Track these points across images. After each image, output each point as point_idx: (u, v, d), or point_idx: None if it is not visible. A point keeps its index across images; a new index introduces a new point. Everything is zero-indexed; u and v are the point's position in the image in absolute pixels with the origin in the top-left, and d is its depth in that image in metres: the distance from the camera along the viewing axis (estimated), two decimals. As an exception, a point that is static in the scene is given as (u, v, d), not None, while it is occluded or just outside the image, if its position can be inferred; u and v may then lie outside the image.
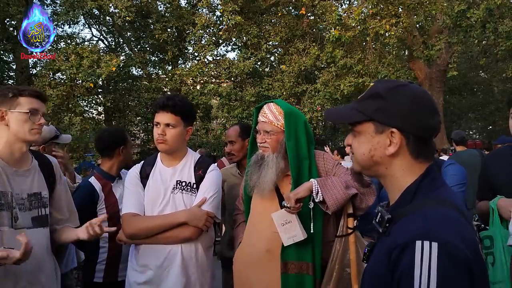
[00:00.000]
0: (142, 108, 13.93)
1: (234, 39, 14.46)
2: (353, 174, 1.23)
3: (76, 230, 2.12)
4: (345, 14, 11.93)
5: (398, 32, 11.21)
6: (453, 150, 7.16)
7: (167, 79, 13.95)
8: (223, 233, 3.44)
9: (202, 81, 13.79)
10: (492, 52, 13.00)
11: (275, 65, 14.99)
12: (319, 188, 2.15)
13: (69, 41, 13.92)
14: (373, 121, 1.13)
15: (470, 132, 24.78)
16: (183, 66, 14.76)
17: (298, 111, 2.40)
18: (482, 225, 2.38)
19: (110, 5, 12.41)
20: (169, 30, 13.93)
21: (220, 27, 13.54)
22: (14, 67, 14.08)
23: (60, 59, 11.35)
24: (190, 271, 2.25)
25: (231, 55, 32.53)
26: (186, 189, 2.31)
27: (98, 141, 2.93)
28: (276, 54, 14.93)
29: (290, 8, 14.53)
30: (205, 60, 13.87)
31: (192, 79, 13.56)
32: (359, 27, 11.27)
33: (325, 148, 8.42)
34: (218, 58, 14.51)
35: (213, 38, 13.76)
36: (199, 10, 14.14)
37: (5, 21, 12.83)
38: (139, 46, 15.44)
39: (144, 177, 2.35)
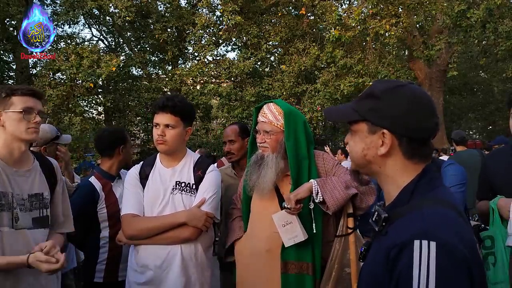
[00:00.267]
0: (142, 108, 13.93)
1: (234, 39, 14.47)
2: (350, 172, 1.23)
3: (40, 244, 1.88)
4: (345, 14, 11.94)
5: (398, 32, 11.22)
6: (453, 150, 7.16)
7: (167, 79, 13.97)
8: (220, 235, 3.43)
9: (202, 81, 13.79)
10: (492, 52, 13.00)
11: (275, 65, 15.00)
12: (319, 189, 2.15)
13: (69, 41, 13.94)
14: (366, 121, 1.14)
15: (470, 132, 24.76)
16: (183, 66, 14.78)
17: (297, 111, 2.40)
18: (482, 225, 2.37)
19: (110, 5, 12.43)
20: (169, 30, 13.95)
21: (220, 27, 13.55)
22: (14, 67, 14.10)
23: (60, 59, 11.36)
24: (190, 271, 2.25)
25: (231, 55, 32.53)
26: (185, 189, 2.30)
27: (98, 140, 2.93)
28: (276, 54, 14.94)
29: (290, 8, 14.54)
30: (205, 60, 13.88)
31: (192, 79, 13.57)
32: (359, 27, 11.27)
33: (325, 148, 8.42)
34: (218, 58, 14.53)
35: (213, 38, 13.78)
36: (199, 10, 14.15)
37: (5, 21, 12.83)
38: (139, 46, 15.46)
39: (143, 178, 2.35)
